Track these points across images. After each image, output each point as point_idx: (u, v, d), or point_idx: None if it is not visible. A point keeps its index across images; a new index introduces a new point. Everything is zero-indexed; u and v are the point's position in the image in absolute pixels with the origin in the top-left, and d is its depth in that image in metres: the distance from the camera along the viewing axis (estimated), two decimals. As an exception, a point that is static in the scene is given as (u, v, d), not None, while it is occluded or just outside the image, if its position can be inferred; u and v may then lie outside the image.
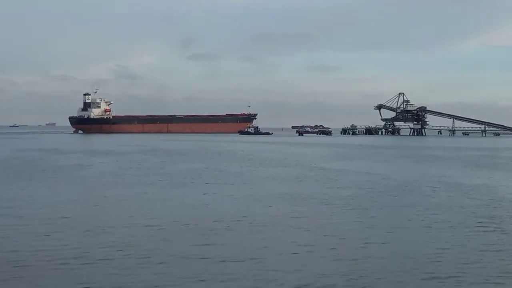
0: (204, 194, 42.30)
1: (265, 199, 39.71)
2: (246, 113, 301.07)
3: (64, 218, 31.18)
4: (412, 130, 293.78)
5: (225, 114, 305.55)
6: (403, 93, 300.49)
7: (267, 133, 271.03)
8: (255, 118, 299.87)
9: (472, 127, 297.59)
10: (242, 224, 29.55)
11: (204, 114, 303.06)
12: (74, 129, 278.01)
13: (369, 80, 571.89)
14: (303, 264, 21.45)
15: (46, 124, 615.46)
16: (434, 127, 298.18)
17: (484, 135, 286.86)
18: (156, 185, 48.46)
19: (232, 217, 31.66)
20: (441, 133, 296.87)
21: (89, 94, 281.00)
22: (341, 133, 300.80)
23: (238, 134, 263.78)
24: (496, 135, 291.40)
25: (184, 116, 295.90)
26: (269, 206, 36.23)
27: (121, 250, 23.49)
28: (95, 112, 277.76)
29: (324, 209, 35.28)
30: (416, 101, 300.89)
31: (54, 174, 57.86)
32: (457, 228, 28.95)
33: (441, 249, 24.07)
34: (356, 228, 28.94)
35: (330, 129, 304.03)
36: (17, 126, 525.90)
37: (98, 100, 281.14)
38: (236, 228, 28.47)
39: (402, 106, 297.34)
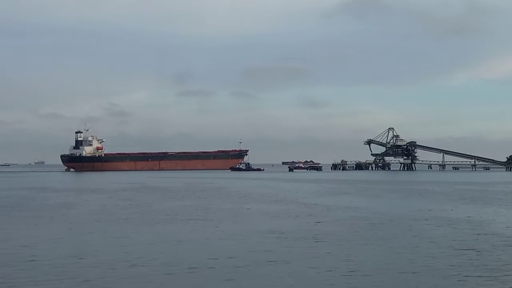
0: (188, 232, 42.56)
1: (250, 236, 40.72)
2: (237, 149, 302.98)
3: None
4: (402, 165, 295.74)
5: (216, 150, 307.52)
6: (392, 128, 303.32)
7: (259, 169, 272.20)
8: (246, 154, 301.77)
9: (462, 162, 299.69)
10: (223, 264, 30.47)
11: (196, 151, 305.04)
12: (66, 167, 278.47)
13: (358, 115, 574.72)
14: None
15: (35, 162, 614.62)
16: (424, 162, 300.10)
17: (474, 169, 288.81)
18: (139, 223, 48.85)
19: (212, 256, 32.26)
20: (431, 168, 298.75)
21: (81, 132, 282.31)
22: (331, 169, 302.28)
23: (230, 170, 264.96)
24: (486, 169, 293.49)
25: (175, 153, 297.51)
26: (253, 243, 37.23)
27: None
28: (87, 150, 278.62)
29: (312, 245, 36.32)
30: (406, 136, 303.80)
31: (44, 212, 58.50)
32: (435, 259, 30.11)
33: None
34: (340, 263, 30.02)
35: (320, 165, 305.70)
36: (8, 165, 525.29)
37: (90, 138, 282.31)
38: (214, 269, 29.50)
39: (391, 141, 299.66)
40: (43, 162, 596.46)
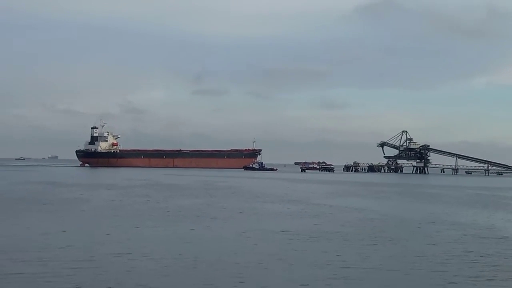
0: (190, 230, 43.64)
1: (260, 235, 41.88)
2: (251, 148, 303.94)
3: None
4: (414, 168, 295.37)
5: (230, 149, 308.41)
6: (406, 131, 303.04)
7: (272, 169, 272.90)
8: (260, 154, 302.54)
9: (475, 166, 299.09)
10: (229, 261, 31.68)
11: (210, 149, 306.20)
12: (81, 163, 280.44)
13: (372, 117, 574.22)
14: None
15: (49, 157, 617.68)
16: (437, 166, 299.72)
17: (487, 174, 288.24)
18: (151, 220, 50.00)
19: (218, 253, 33.60)
20: (444, 172, 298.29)
21: (97, 128, 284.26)
22: (343, 170, 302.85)
23: (243, 169, 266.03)
24: (499, 174, 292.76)
25: (190, 151, 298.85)
26: (257, 244, 38.39)
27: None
28: (102, 146, 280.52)
29: (321, 245, 37.41)
30: (419, 139, 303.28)
31: (56, 206, 59.83)
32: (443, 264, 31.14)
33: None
34: (347, 264, 31.10)
35: (332, 166, 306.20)
36: (23, 159, 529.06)
37: (105, 134, 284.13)
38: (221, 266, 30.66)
39: (405, 144, 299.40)
40: (57, 156, 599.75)
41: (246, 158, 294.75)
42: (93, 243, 35.92)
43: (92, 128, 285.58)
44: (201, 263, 29.66)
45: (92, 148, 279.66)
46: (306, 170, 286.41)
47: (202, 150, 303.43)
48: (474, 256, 33.79)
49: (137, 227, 44.60)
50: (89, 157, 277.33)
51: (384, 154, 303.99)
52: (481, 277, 27.72)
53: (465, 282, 26.65)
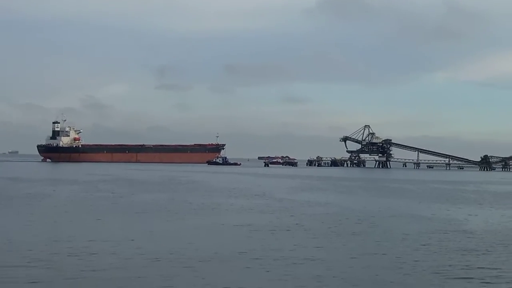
0: (151, 224, 43.69)
1: (221, 229, 42.01)
2: (214, 143, 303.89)
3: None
4: (377, 162, 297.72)
5: (193, 144, 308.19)
6: (368, 126, 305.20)
7: (235, 164, 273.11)
8: (223, 149, 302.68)
9: (436, 160, 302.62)
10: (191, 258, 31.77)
11: (173, 144, 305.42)
12: (43, 158, 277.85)
13: (335, 112, 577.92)
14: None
15: (9, 152, 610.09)
16: (399, 160, 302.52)
17: (448, 168, 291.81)
18: (112, 215, 49.94)
19: (178, 248, 33.72)
20: (406, 166, 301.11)
21: (58, 123, 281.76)
22: (307, 165, 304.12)
23: (207, 164, 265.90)
24: (460, 168, 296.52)
25: (153, 145, 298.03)
26: (222, 238, 38.52)
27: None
28: (64, 141, 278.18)
29: (281, 239, 37.61)
30: (382, 134, 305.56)
31: (17, 202, 59.34)
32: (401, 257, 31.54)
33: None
34: (308, 256, 31.33)
35: (296, 160, 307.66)
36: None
37: (67, 129, 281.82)
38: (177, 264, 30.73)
39: (367, 138, 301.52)
40: (17, 151, 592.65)
41: (209, 153, 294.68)
42: (52, 238, 35.65)
43: (53, 122, 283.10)
44: (159, 257, 29.62)
45: (53, 143, 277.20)
46: (270, 165, 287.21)
47: (165, 145, 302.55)
48: (432, 248, 34.25)
49: (98, 222, 44.42)
50: (51, 152, 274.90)
51: (347, 148, 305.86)
52: (439, 268, 28.11)
53: (421, 273, 27.00)
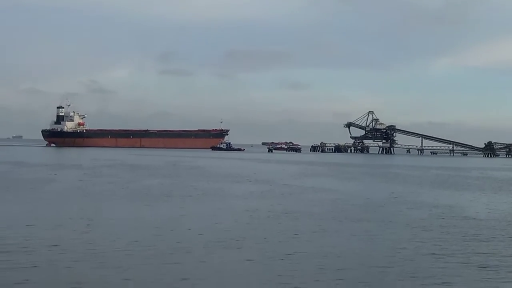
0: (155, 209, 44.22)
1: (224, 215, 42.35)
2: (218, 129, 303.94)
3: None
4: (381, 148, 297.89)
5: (197, 129, 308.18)
6: (372, 112, 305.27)
7: (239, 149, 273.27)
8: (227, 134, 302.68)
9: (440, 147, 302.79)
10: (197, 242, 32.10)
11: (177, 130, 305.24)
12: (47, 142, 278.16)
13: (339, 98, 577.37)
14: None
15: (13, 137, 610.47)
16: (403, 146, 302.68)
17: (452, 154, 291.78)
18: (115, 200, 50.27)
19: (186, 234, 34.18)
20: (409, 152, 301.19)
21: (63, 107, 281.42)
22: (310, 150, 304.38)
23: (210, 150, 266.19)
24: (464, 154, 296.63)
25: (157, 131, 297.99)
26: (220, 223, 38.87)
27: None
28: (68, 126, 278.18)
29: (284, 224, 37.93)
30: (386, 120, 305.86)
31: (23, 186, 59.71)
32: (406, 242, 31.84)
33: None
34: (313, 241, 31.65)
35: (299, 146, 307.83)
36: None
37: (71, 114, 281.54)
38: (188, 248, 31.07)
39: (371, 124, 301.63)
40: (21, 136, 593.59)
41: (213, 138, 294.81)
42: (57, 222, 36.04)
43: (57, 107, 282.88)
44: (162, 242, 29.96)
45: (58, 127, 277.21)
46: (273, 150, 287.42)
47: (169, 130, 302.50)
48: (434, 234, 34.55)
49: (103, 207, 44.80)
50: (55, 136, 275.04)
51: (351, 134, 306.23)
52: (439, 253, 28.41)
53: (421, 258, 27.30)
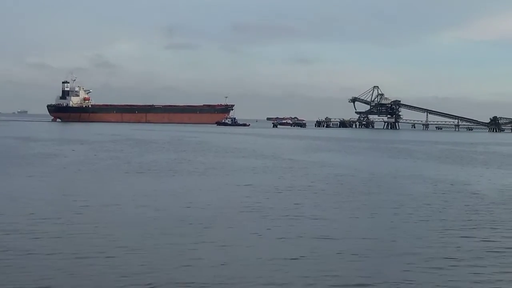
0: (159, 184, 44.77)
1: (229, 189, 42.78)
2: (223, 104, 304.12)
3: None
4: (386, 123, 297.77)
5: (202, 104, 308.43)
6: (377, 87, 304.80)
7: (244, 125, 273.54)
8: (232, 109, 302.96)
9: (445, 122, 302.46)
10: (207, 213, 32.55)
11: (182, 105, 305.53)
12: (53, 118, 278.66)
13: (345, 73, 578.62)
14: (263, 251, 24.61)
15: (18, 111, 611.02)
16: (408, 121, 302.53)
17: (457, 129, 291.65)
18: (120, 174, 50.67)
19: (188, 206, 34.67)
20: (414, 127, 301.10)
21: (68, 82, 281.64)
22: (315, 126, 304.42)
23: (216, 125, 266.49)
24: (469, 129, 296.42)
25: (162, 106, 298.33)
26: (225, 197, 39.28)
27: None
28: (74, 101, 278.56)
29: (288, 198, 38.31)
30: (391, 95, 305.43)
31: (30, 161, 60.23)
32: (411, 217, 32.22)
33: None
34: (319, 216, 32.04)
35: (304, 121, 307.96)
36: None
37: (76, 89, 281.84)
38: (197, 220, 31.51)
39: (376, 99, 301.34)
40: (26, 111, 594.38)
41: (218, 114, 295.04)
42: (62, 196, 36.55)
43: (63, 82, 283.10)
44: (166, 215, 30.39)
45: (63, 102, 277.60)
46: (278, 126, 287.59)
47: (174, 106, 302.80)
48: (436, 207, 34.90)
49: (107, 181, 45.24)
50: (61, 112, 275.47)
51: (356, 109, 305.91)
52: (440, 226, 28.79)
53: (422, 231, 27.65)
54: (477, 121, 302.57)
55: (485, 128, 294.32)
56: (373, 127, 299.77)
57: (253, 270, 20.50)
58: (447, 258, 22.74)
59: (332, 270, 20.73)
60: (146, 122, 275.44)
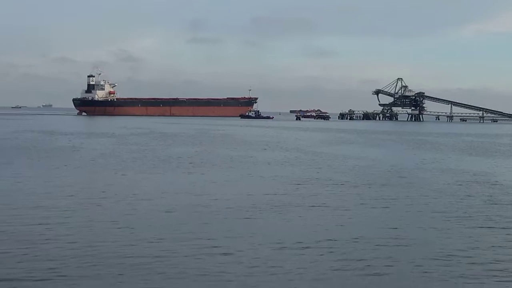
0: (184, 176, 45.48)
1: (253, 182, 43.45)
2: (247, 97, 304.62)
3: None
4: (410, 115, 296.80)
5: (226, 98, 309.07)
6: (401, 79, 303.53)
7: (268, 117, 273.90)
8: (256, 102, 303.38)
9: (470, 113, 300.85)
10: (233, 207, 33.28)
11: (206, 98, 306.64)
12: (78, 111, 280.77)
13: (367, 65, 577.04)
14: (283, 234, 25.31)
15: (43, 105, 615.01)
16: (432, 113, 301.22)
17: (482, 121, 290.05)
18: (147, 168, 51.49)
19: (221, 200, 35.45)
20: (438, 119, 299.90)
21: (93, 76, 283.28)
22: (338, 118, 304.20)
23: (240, 118, 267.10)
24: (494, 121, 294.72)
25: (186, 99, 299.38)
26: (251, 189, 39.99)
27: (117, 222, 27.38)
28: (99, 94, 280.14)
29: (312, 191, 38.94)
30: (414, 87, 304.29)
31: (57, 154, 61.29)
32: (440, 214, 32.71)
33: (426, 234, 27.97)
34: (346, 210, 32.66)
35: (328, 114, 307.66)
36: (20, 108, 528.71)
37: (102, 82, 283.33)
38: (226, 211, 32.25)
39: (400, 91, 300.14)
40: (51, 105, 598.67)
41: (242, 107, 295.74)
42: (90, 188, 37.46)
43: (88, 76, 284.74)
44: (194, 207, 31.13)
45: (89, 96, 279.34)
46: (302, 118, 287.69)
47: (198, 99, 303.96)
48: (458, 199, 35.32)
49: (128, 174, 46.07)
50: (86, 105, 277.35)
51: (379, 101, 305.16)
52: (461, 217, 29.28)
53: (443, 222, 28.16)
54: (502, 112, 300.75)
55: (510, 120, 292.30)
56: (397, 119, 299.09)
57: (277, 256, 21.21)
58: (462, 250, 23.18)
59: (347, 259, 21.39)
60: (170, 116, 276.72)
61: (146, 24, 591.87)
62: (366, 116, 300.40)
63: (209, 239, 23.95)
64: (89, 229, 25.51)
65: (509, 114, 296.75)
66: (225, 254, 21.72)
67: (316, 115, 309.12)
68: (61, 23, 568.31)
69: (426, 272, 19.95)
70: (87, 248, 22.14)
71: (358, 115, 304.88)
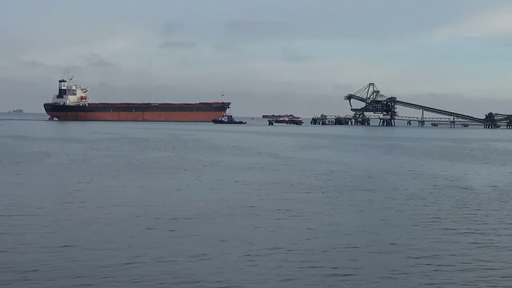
0: (154, 182, 45.48)
1: (224, 186, 43.47)
2: (220, 102, 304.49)
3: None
4: (381, 120, 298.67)
5: (199, 102, 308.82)
6: (373, 84, 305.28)
7: (241, 122, 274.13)
8: (229, 107, 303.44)
9: (441, 118, 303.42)
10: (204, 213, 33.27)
11: (179, 103, 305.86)
12: (50, 116, 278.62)
13: (340, 69, 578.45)
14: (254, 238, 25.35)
15: (13, 110, 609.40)
16: (404, 118, 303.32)
17: (452, 126, 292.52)
18: (116, 172, 51.34)
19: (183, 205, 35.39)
20: (410, 124, 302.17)
21: (65, 81, 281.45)
22: (311, 123, 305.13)
23: (212, 123, 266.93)
24: (464, 126, 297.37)
25: (159, 104, 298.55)
26: (221, 193, 39.99)
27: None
28: (70, 99, 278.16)
29: (292, 196, 39.03)
30: (386, 92, 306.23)
31: (28, 159, 60.84)
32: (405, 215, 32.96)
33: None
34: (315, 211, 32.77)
35: (300, 119, 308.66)
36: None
37: (73, 87, 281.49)
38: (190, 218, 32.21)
39: (372, 96, 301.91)
40: (22, 110, 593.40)
41: (215, 112, 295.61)
42: (60, 193, 37.21)
43: (60, 81, 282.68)
44: (164, 213, 31.08)
45: (60, 101, 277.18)
46: (274, 123, 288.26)
47: (171, 104, 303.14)
48: (428, 202, 35.61)
49: (100, 179, 45.84)
50: (58, 110, 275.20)
51: (351, 106, 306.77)
52: (431, 220, 29.53)
53: (413, 226, 28.39)
54: (472, 117, 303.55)
55: (480, 125, 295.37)
56: (369, 124, 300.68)
57: (245, 259, 21.24)
58: (430, 251, 23.44)
59: (316, 261, 21.52)
60: (143, 121, 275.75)
61: (118, 27, 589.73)
62: (338, 121, 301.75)
63: (179, 243, 23.94)
64: (57, 235, 25.35)
65: (480, 119, 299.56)
66: (194, 257, 21.71)
67: (289, 120, 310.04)
68: (30, 26, 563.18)
69: (392, 274, 20.11)
70: (57, 253, 22.01)
71: (331, 120, 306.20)
